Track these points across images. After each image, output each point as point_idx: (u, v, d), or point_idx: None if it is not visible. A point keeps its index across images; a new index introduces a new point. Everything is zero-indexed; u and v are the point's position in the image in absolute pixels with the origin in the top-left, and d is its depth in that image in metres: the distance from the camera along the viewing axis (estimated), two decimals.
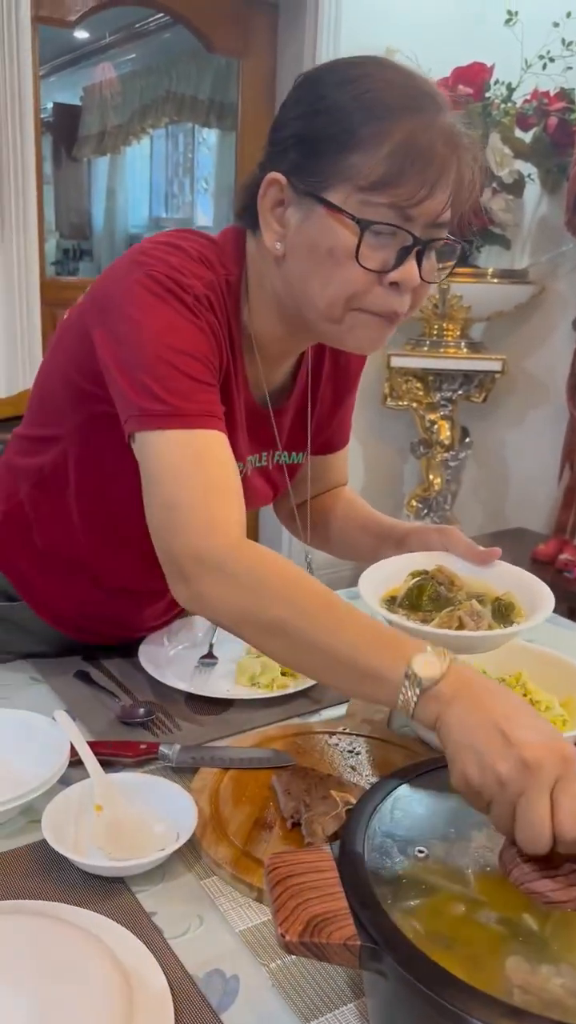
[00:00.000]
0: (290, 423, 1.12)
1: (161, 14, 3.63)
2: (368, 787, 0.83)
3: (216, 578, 0.80)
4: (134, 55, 4.65)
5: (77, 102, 4.88)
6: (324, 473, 1.26)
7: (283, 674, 1.08)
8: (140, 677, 1.07)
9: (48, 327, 2.73)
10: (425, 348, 3.11)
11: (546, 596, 0.89)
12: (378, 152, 0.81)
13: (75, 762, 0.83)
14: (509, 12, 2.79)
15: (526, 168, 2.93)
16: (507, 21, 2.79)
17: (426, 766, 0.68)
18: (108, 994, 0.59)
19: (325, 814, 0.77)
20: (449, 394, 3.18)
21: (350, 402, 1.23)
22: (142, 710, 0.99)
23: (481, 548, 0.99)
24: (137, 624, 1.18)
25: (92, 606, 1.14)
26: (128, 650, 1.14)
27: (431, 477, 3.28)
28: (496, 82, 2.87)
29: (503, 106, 2.84)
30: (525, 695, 0.96)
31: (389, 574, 0.96)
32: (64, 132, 4.98)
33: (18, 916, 0.67)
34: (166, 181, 5.35)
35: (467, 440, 3.31)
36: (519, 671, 1.00)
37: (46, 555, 1.11)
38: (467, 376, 3.16)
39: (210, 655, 1.13)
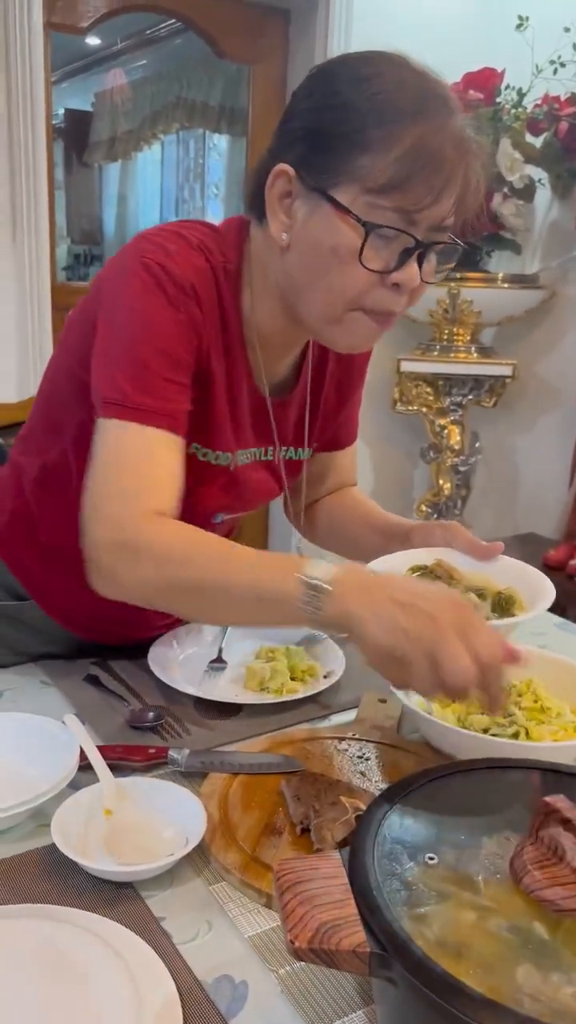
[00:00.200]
0: (295, 417, 1.12)
1: (172, 20, 3.64)
2: (377, 793, 0.83)
3: (125, 560, 0.85)
4: (145, 61, 4.66)
5: (88, 108, 4.90)
6: (331, 472, 1.25)
7: (293, 679, 1.08)
8: (149, 681, 1.07)
9: (59, 332, 2.73)
10: (435, 353, 3.11)
11: (547, 590, 0.89)
12: (387, 155, 0.81)
13: (84, 766, 0.83)
14: (520, 17, 2.79)
15: (537, 173, 2.93)
16: (518, 26, 2.79)
17: (436, 772, 0.68)
18: (117, 999, 0.59)
19: (335, 820, 0.76)
20: (459, 399, 3.18)
21: (356, 398, 1.22)
22: (151, 714, 0.99)
23: (483, 543, 0.99)
24: (143, 624, 1.18)
25: (96, 604, 1.14)
26: (137, 653, 1.14)
27: (441, 482, 3.27)
28: (507, 87, 2.87)
29: (514, 111, 2.84)
30: (535, 702, 0.95)
31: (390, 570, 0.96)
32: (75, 138, 4.99)
33: (27, 920, 0.67)
34: (177, 187, 5.36)
35: (477, 445, 3.30)
36: (530, 678, 0.99)
37: (50, 552, 1.11)
38: (477, 381, 3.15)
39: (219, 659, 1.13)
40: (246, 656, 1.13)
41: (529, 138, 2.88)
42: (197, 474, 0.99)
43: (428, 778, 0.67)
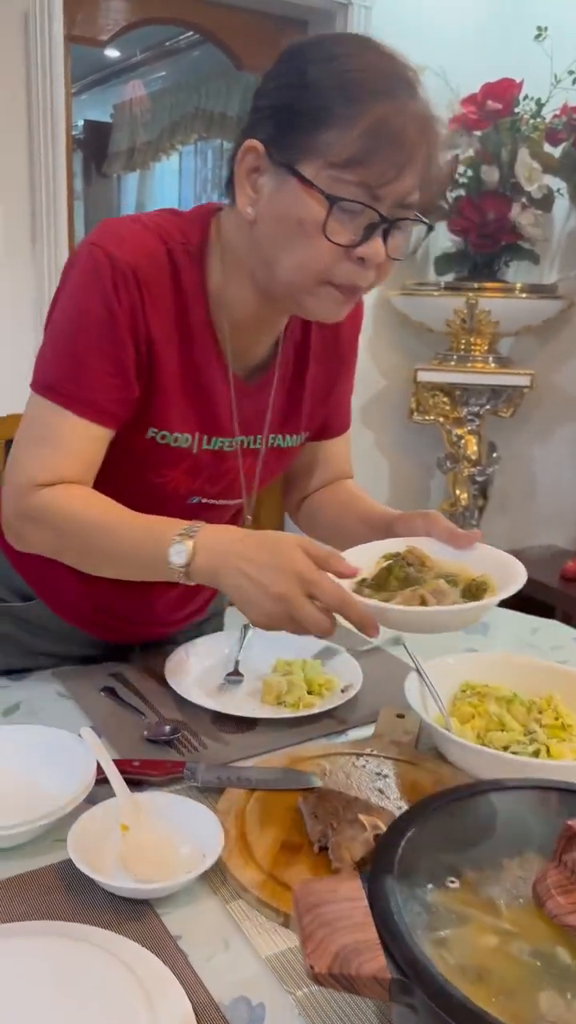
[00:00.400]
0: (280, 403, 1.11)
1: (191, 32, 3.67)
2: (396, 811, 0.82)
3: (28, 527, 0.98)
4: (164, 73, 4.69)
5: (107, 119, 4.93)
6: (323, 462, 1.23)
7: (310, 692, 1.07)
8: (166, 694, 1.07)
9: None
10: (452, 363, 3.10)
11: (519, 573, 0.89)
12: (351, 131, 0.84)
13: (101, 780, 0.82)
14: (539, 28, 2.78)
15: (555, 183, 2.92)
16: (537, 36, 2.78)
17: (456, 793, 0.67)
18: (133, 1019, 0.59)
19: (353, 839, 0.76)
20: (476, 409, 3.16)
21: (346, 384, 1.21)
22: (168, 728, 0.99)
23: (461, 531, 0.98)
24: (150, 618, 1.17)
25: (101, 597, 1.14)
26: (153, 663, 1.14)
27: (458, 492, 3.26)
28: (525, 97, 2.86)
29: (532, 121, 2.84)
30: (557, 719, 0.94)
31: (363, 557, 0.97)
32: (95, 149, 5.03)
33: (42, 936, 0.66)
34: (194, 197, 5.38)
35: (494, 455, 3.29)
36: (550, 693, 0.98)
37: None
38: (495, 391, 3.14)
39: (236, 672, 1.13)
40: (263, 669, 1.12)
41: (548, 148, 2.87)
42: (159, 456, 1.02)
43: (448, 799, 0.66)
